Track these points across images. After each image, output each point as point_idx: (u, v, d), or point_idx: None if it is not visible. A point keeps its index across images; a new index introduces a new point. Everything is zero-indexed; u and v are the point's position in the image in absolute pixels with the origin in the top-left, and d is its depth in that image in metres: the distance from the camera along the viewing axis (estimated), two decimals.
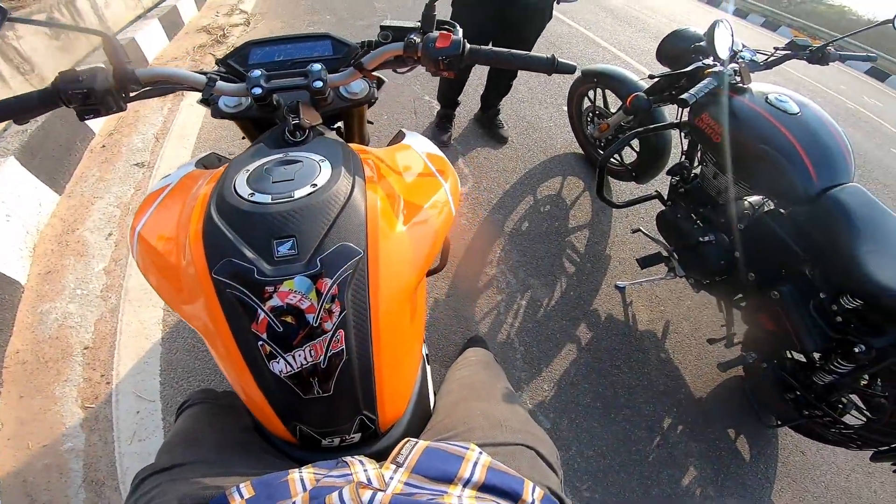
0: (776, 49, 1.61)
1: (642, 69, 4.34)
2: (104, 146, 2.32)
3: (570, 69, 0.68)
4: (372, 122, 1.07)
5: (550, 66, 0.66)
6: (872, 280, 1.10)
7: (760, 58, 1.57)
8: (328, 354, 0.46)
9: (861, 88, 8.15)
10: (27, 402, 1.35)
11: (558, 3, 2.04)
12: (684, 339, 1.81)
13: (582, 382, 1.59)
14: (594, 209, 2.27)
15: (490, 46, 0.67)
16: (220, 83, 0.65)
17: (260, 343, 0.45)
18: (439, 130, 2.62)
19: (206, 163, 0.74)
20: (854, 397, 1.32)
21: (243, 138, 0.82)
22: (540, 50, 3.46)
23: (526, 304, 1.77)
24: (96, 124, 2.37)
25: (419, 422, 0.61)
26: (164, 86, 0.66)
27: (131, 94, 0.62)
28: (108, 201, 1.99)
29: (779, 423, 1.53)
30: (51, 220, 1.87)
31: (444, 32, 0.65)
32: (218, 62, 0.77)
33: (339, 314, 0.46)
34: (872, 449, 1.27)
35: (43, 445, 1.27)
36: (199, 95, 0.68)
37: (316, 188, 0.51)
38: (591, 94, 2.35)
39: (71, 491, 1.21)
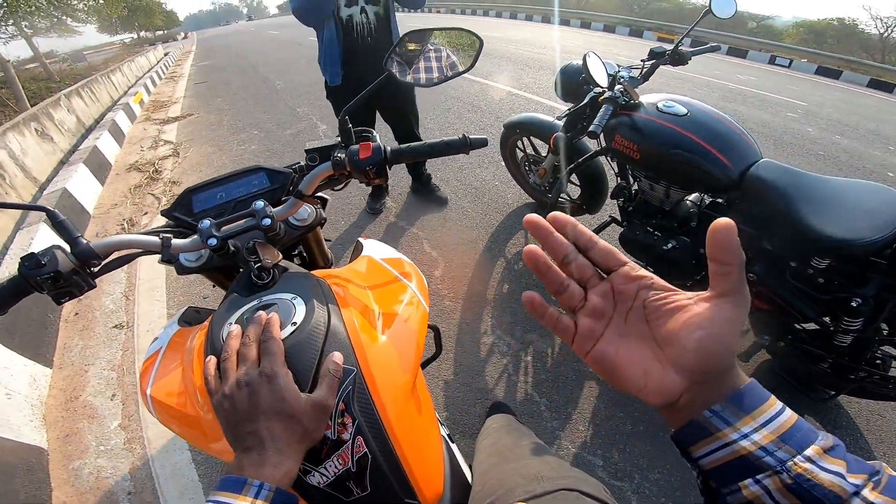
0: (643, 61, 1.79)
1: (556, 105, 4.71)
2: (77, 313, 2.29)
3: (482, 143, 0.71)
4: (330, 241, 1.09)
5: (465, 146, 0.70)
6: (825, 237, 1.15)
7: (636, 72, 1.74)
8: (354, 459, 0.50)
9: (731, 69, 9.21)
10: None
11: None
12: None
13: (615, 413, 1.60)
14: None
15: (408, 144, 0.71)
16: (174, 241, 0.65)
17: None
18: (373, 199, 2.84)
19: (188, 318, 0.76)
20: (888, 349, 1.31)
21: (214, 286, 0.83)
22: (461, 109, 3.87)
23: (532, 359, 1.81)
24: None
25: (460, 496, 0.64)
26: (124, 255, 0.67)
27: (95, 270, 0.62)
28: (101, 366, 2.01)
29: (832, 393, 1.49)
30: (51, 392, 1.90)
31: (364, 143, 0.68)
32: (164, 214, 0.77)
33: (353, 424, 0.51)
34: None
35: None
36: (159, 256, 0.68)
37: (296, 326, 0.55)
38: (520, 143, 2.53)
39: None
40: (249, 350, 0.50)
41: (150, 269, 2.51)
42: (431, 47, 0.85)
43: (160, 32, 41.06)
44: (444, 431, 0.74)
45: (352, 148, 0.68)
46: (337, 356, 0.52)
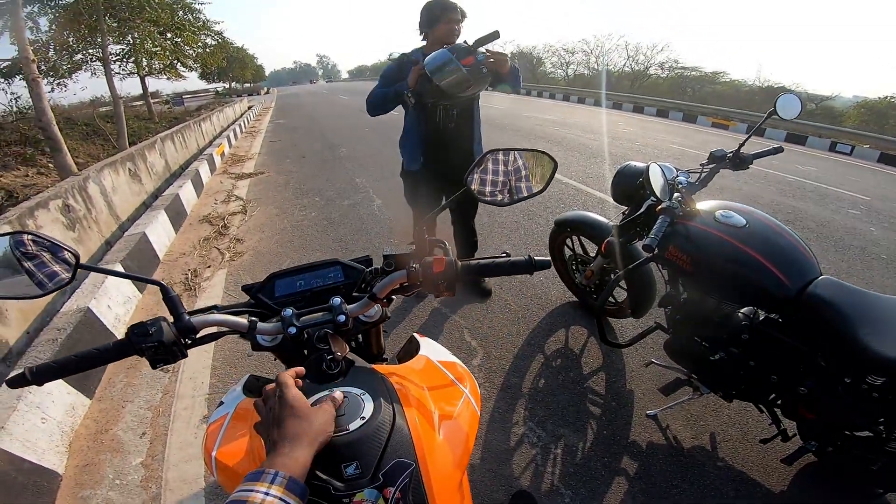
0: (702, 166, 1.77)
1: (605, 197, 4.67)
2: None
3: (546, 265, 0.76)
4: (387, 331, 1.17)
5: (530, 267, 0.75)
6: (883, 357, 1.14)
7: (694, 177, 1.71)
8: None
9: (790, 158, 8.98)
10: None
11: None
12: (737, 444, 1.79)
13: None
14: (603, 351, 2.34)
15: (477, 261, 0.75)
16: (260, 325, 0.73)
17: None
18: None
19: (251, 387, 0.82)
20: None
21: (276, 359, 0.89)
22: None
23: (562, 452, 1.78)
24: (118, 330, 2.53)
25: None
26: (215, 332, 0.75)
27: (189, 342, 0.70)
28: (139, 405, 2.11)
29: (881, 491, 1.48)
30: (84, 422, 1.98)
31: (438, 257, 0.72)
32: (246, 292, 0.85)
33: None
34: None
35: None
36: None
37: (365, 420, 0.61)
38: (568, 241, 2.54)
39: None
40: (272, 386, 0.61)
41: None
42: (509, 167, 0.91)
43: (247, 85, 45.63)
44: None
45: (426, 260, 0.73)
46: (338, 393, 0.63)
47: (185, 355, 0.69)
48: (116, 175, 4.32)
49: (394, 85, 2.18)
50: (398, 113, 2.40)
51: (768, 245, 1.39)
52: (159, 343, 0.65)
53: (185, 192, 4.88)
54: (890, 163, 10.15)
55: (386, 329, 2.48)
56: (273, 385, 0.62)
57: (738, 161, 1.78)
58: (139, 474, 1.75)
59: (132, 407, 2.09)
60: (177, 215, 4.36)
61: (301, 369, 0.65)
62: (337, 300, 0.76)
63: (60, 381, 1.92)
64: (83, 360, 0.66)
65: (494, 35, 1.93)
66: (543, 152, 0.92)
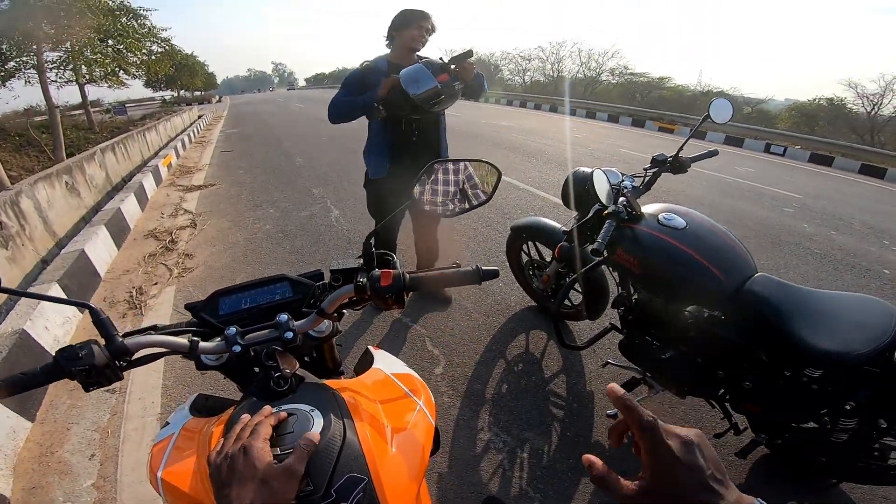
0: (645, 169, 1.85)
1: (559, 202, 4.70)
2: None
3: (493, 275, 0.76)
4: (341, 345, 1.13)
5: (478, 277, 0.75)
6: (819, 350, 1.20)
7: (638, 181, 1.80)
8: None
9: (729, 160, 9.55)
10: None
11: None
12: None
13: None
14: (562, 354, 2.39)
15: (425, 273, 0.75)
16: (202, 345, 0.70)
17: None
18: None
19: (198, 406, 0.79)
20: (888, 440, 1.32)
21: (225, 378, 0.86)
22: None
23: (528, 456, 1.80)
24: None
25: None
26: (153, 353, 0.71)
27: (123, 364, 0.67)
28: (85, 426, 2.02)
29: (834, 481, 1.52)
30: (27, 445, 1.92)
31: (385, 270, 0.73)
32: (189, 310, 0.81)
33: None
34: None
35: None
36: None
37: None
38: (525, 247, 2.59)
39: None
40: (244, 431, 0.57)
41: None
42: (456, 176, 0.93)
43: (198, 93, 43.44)
44: None
45: (373, 274, 0.73)
46: (313, 435, 0.58)
47: (119, 378, 0.67)
48: (52, 189, 4.07)
49: (358, 93, 2.17)
50: (358, 124, 2.36)
51: (706, 245, 1.47)
52: (91, 366, 0.62)
53: (128, 205, 4.63)
54: (820, 162, 11.00)
55: (346, 342, 2.46)
56: (241, 428, 0.58)
57: (678, 165, 1.87)
58: (91, 496, 1.68)
59: (78, 429, 2.00)
60: (119, 231, 4.14)
61: (283, 414, 0.61)
62: (283, 317, 0.74)
63: None
64: (8, 386, 0.62)
65: (468, 53, 2.03)
66: (488, 162, 0.93)
